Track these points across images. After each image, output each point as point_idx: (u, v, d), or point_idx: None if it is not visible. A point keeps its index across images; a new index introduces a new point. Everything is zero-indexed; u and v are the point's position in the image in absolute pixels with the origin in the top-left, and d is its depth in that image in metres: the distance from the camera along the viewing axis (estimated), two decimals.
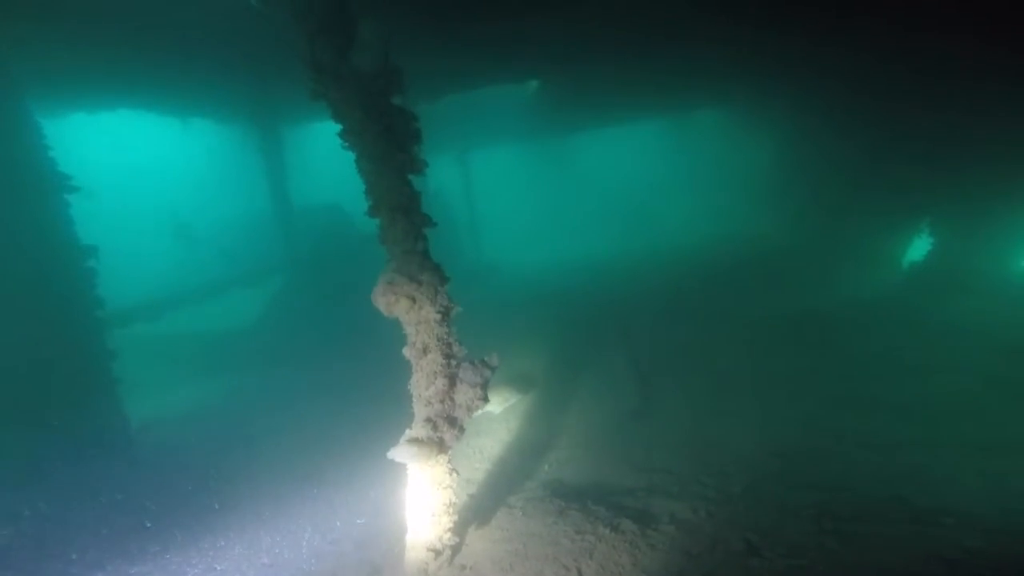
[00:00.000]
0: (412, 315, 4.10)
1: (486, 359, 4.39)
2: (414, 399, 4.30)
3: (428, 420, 4.09)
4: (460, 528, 4.53)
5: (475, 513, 5.20)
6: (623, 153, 30.33)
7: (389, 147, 3.95)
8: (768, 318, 10.98)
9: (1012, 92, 8.95)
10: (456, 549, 4.41)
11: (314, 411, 9.25)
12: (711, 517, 4.96)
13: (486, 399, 4.31)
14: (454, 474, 4.23)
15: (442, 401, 4.15)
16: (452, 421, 4.19)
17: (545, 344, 11.06)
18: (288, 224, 13.74)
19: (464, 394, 4.24)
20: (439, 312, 4.13)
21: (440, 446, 4.04)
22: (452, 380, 4.23)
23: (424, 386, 4.16)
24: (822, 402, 7.80)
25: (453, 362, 4.25)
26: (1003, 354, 8.32)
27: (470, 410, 4.26)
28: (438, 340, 4.14)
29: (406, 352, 4.26)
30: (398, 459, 3.96)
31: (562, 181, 32.32)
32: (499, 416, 8.23)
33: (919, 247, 12.07)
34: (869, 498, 4.98)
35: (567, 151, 30.20)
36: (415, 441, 3.97)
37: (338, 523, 5.71)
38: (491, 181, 32.83)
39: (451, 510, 4.20)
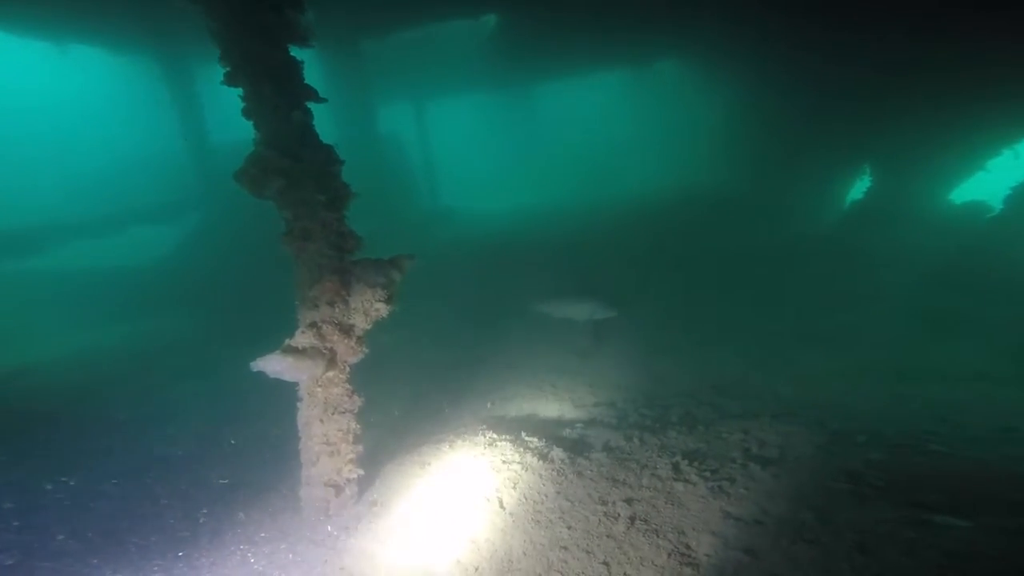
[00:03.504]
0: (288, 196, 3.34)
1: (396, 258, 3.63)
2: (297, 300, 3.57)
3: (312, 326, 3.39)
4: (369, 461, 4.13)
5: (395, 448, 4.98)
6: (586, 104, 29.64)
7: (250, 5, 3.18)
8: (720, 259, 11.04)
9: (939, 48, 9.51)
10: (363, 484, 4.03)
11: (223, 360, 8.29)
12: (643, 444, 4.90)
13: (389, 302, 3.58)
14: (355, 397, 3.65)
15: (331, 303, 3.42)
16: (347, 329, 3.49)
17: (499, 285, 10.84)
18: (202, 159, 12.65)
19: (361, 296, 3.49)
20: (325, 194, 3.39)
21: (330, 360, 3.42)
22: (344, 278, 3.50)
23: (307, 284, 3.41)
24: (761, 336, 8.01)
25: (346, 256, 3.51)
26: (923, 279, 9.17)
27: (368, 316, 3.55)
28: (324, 226, 3.39)
29: (284, 242, 3.47)
30: (268, 371, 3.24)
31: (524, 131, 31.46)
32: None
33: (861, 187, 12.75)
34: (794, 423, 5.01)
35: (529, 101, 29.34)
36: (291, 351, 3.28)
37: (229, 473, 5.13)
38: (450, 128, 31.69)
39: (351, 439, 3.68)
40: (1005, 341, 7.21)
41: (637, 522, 3.64)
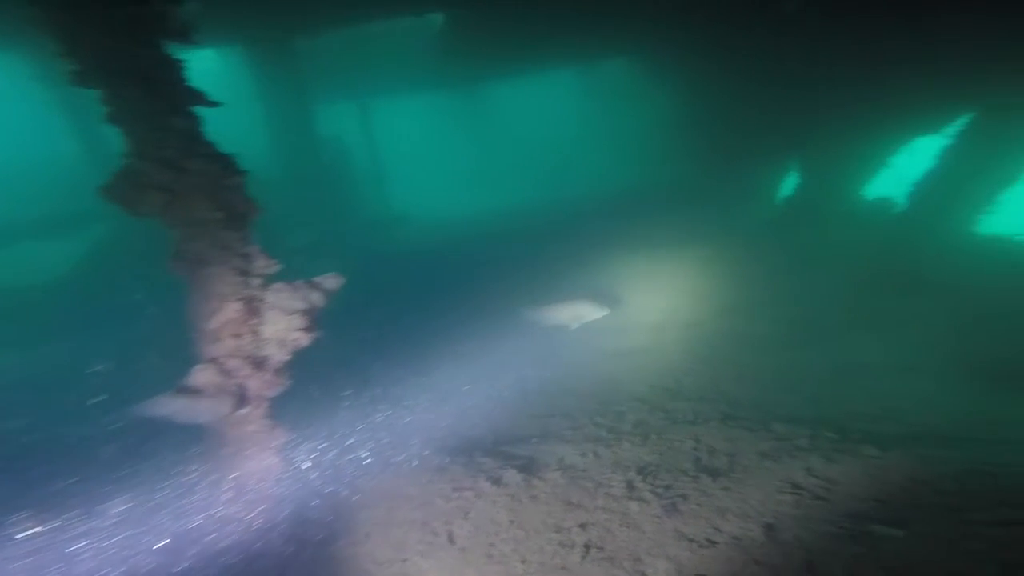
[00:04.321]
0: (173, 214, 2.94)
1: (317, 279, 3.26)
2: (193, 334, 3.17)
3: (214, 362, 3.02)
4: (298, 499, 3.79)
5: (331, 482, 4.68)
6: (539, 104, 29.67)
7: None
8: (660, 258, 11.23)
9: (861, 53, 9.83)
10: (292, 524, 3.61)
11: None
12: (598, 459, 4.85)
13: (311, 330, 3.22)
14: (276, 431, 3.31)
15: (238, 335, 3.04)
16: (259, 363, 3.13)
17: (446, 292, 10.60)
18: (104, 165, 11.49)
19: (276, 324, 3.13)
20: (222, 211, 2.98)
21: (240, 398, 3.05)
22: (253, 306, 3.13)
23: (204, 315, 3.04)
24: (703, 335, 8.14)
25: (253, 281, 3.13)
26: (847, 275, 9.38)
27: (285, 346, 3.20)
28: (223, 249, 3.00)
29: (172, 268, 3.05)
30: (160, 415, 2.85)
31: (477, 132, 31.14)
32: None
33: (791, 184, 13.28)
34: (741, 425, 5.10)
35: (484, 101, 29.04)
36: (186, 391, 2.89)
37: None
38: (404, 130, 30.99)
39: (272, 477, 3.36)
40: (920, 334, 7.55)
41: (592, 550, 3.56)
